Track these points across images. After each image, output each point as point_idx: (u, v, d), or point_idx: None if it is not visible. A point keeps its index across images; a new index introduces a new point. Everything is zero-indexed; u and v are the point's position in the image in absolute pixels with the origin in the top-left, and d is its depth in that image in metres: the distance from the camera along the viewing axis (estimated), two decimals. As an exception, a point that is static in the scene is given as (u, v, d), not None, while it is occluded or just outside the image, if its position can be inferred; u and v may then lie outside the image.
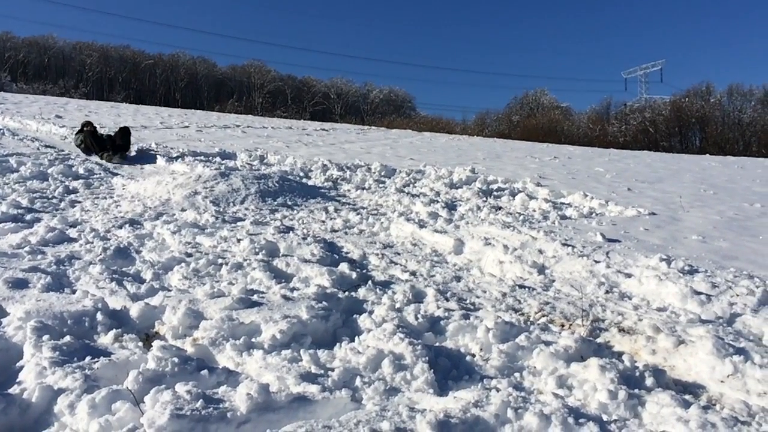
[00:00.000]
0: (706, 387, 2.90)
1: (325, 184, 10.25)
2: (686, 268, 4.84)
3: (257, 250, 5.15)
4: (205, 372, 2.72)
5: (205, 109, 53.18)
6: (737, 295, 4.15)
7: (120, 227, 5.96)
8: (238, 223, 6.47)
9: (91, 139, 11.59)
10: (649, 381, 2.84)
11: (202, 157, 12.73)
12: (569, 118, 62.02)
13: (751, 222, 7.79)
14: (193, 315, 3.47)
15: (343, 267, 4.71)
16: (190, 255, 5.00)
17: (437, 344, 3.33)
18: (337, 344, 3.21)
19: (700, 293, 4.15)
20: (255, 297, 3.87)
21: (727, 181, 14.15)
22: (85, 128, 11.99)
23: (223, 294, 3.93)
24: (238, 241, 5.48)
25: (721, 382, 2.88)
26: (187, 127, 22.12)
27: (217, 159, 12.79)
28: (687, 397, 2.72)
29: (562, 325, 3.76)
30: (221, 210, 7.20)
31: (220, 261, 4.80)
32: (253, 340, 3.18)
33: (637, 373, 2.90)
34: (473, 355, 3.21)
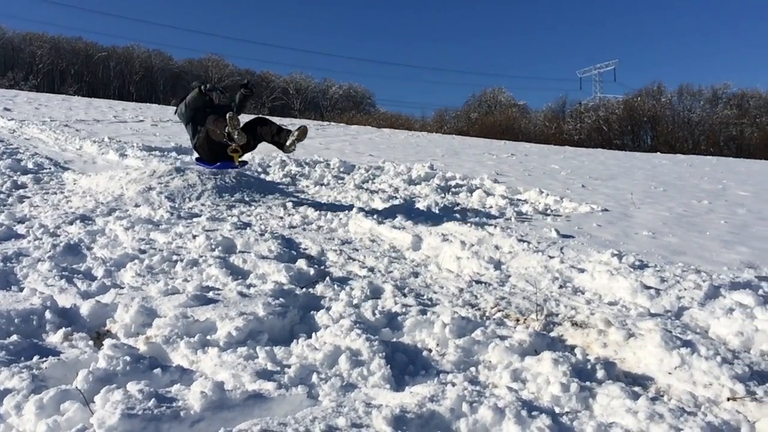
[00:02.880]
0: (655, 379, 2.98)
1: (284, 179, 10.18)
2: (636, 263, 4.97)
3: (213, 246, 5.08)
4: (158, 371, 2.68)
5: (161, 103, 52.13)
6: (685, 289, 4.27)
7: (70, 223, 5.80)
8: (194, 219, 6.36)
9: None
10: (600, 373, 2.91)
11: (157, 152, 12.49)
12: (526, 116, 62.95)
13: (698, 218, 8.04)
14: (146, 313, 3.40)
15: (301, 263, 4.68)
16: (143, 251, 4.90)
17: (394, 340, 3.34)
18: (294, 341, 3.19)
19: (649, 287, 4.26)
20: (210, 294, 3.82)
21: (677, 179, 14.58)
22: (202, 88, 7.27)
23: (177, 291, 3.86)
24: (194, 237, 5.39)
25: (669, 373, 2.97)
26: (142, 121, 21.69)
27: (173, 154, 12.58)
28: (636, 388, 2.79)
29: (517, 320, 3.82)
30: (176, 206, 7.08)
31: (174, 257, 4.72)
32: (208, 337, 3.14)
33: (589, 366, 2.97)
34: (430, 350, 3.23)
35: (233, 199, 7.71)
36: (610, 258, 5.04)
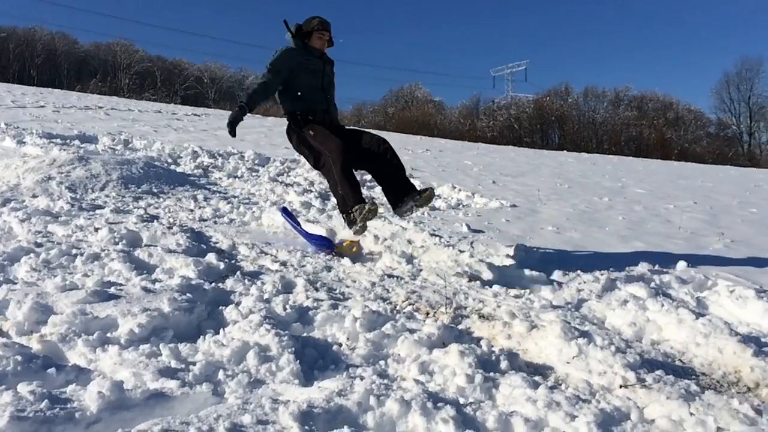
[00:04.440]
0: (554, 368, 3.11)
1: (195, 171, 9.91)
2: (541, 257, 5.17)
3: (117, 239, 4.87)
4: (52, 370, 2.54)
5: (64, 88, 49.52)
6: (584, 282, 4.48)
7: (-42, 214, 5.42)
8: (97, 211, 6.09)
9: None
10: (503, 364, 3.00)
11: (58, 140, 11.85)
12: (442, 112, 63.99)
13: (599, 214, 8.46)
14: (41, 309, 3.22)
15: (211, 257, 4.57)
16: (40, 245, 4.63)
17: (305, 334, 3.32)
18: (201, 337, 3.10)
19: (552, 280, 4.44)
20: (112, 289, 3.66)
21: (581, 176, 15.27)
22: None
23: (76, 287, 3.68)
24: (96, 230, 5.15)
25: (567, 363, 3.10)
26: (42, 107, 20.54)
27: (76, 142, 11.97)
28: (537, 378, 2.90)
29: (427, 313, 3.88)
30: (78, 197, 6.75)
31: (74, 251, 4.49)
32: (108, 335, 3.01)
33: (494, 357, 3.06)
34: (340, 345, 3.23)
35: (140, 190, 7.44)
36: (517, 252, 5.22)
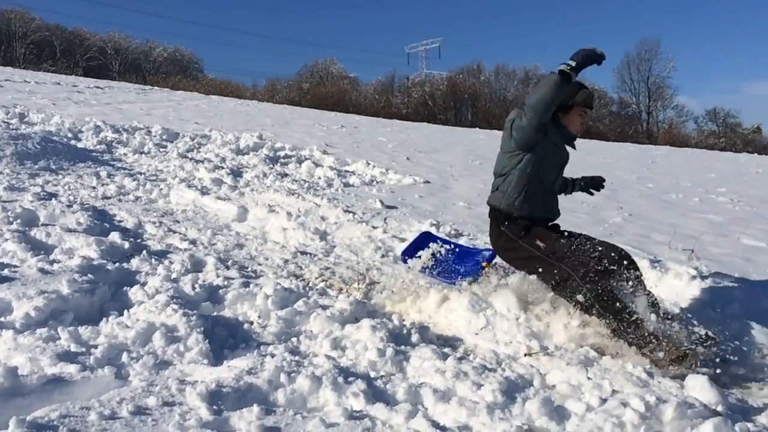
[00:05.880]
0: (464, 339, 3.21)
1: (98, 147, 9.45)
2: (453, 231, 5.28)
3: (11, 218, 4.58)
4: (-62, 359, 2.37)
5: (-50, 57, 45.72)
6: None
7: None
8: (-12, 189, 5.70)
9: None
10: (414, 337, 3.06)
11: (-57, 112, 10.98)
12: (357, 88, 63.66)
13: (509, 190, 8.73)
14: (-77, 295, 3.00)
15: (114, 236, 4.38)
16: None
17: (215, 314, 3.26)
18: (104, 319, 2.98)
19: (462, 255, 4.54)
20: (6, 272, 3.45)
21: (492, 153, 15.61)
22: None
23: (-35, 269, 3.44)
24: (-13, 209, 4.83)
25: (476, 334, 3.20)
26: (-76, 76, 18.94)
27: (-36, 115, 11.13)
28: (446, 350, 2.98)
29: (341, 289, 3.90)
30: (-33, 174, 6.29)
31: (-38, 232, 4.19)
32: (1, 319, 2.84)
33: (405, 331, 3.11)
34: (251, 323, 3.19)
35: (37, 167, 7.02)
36: (430, 227, 5.30)
